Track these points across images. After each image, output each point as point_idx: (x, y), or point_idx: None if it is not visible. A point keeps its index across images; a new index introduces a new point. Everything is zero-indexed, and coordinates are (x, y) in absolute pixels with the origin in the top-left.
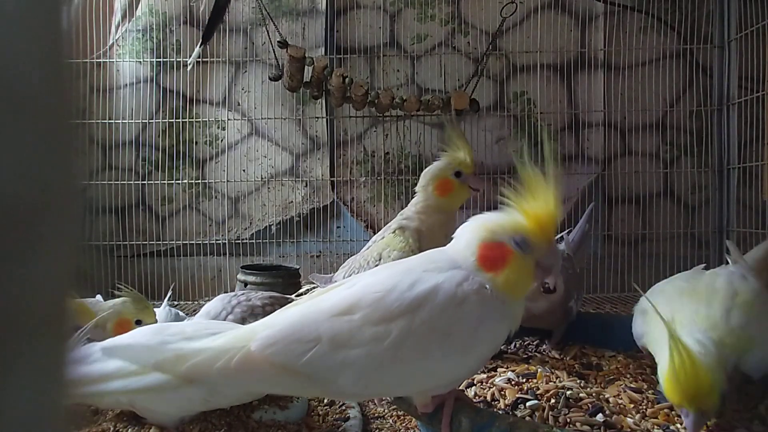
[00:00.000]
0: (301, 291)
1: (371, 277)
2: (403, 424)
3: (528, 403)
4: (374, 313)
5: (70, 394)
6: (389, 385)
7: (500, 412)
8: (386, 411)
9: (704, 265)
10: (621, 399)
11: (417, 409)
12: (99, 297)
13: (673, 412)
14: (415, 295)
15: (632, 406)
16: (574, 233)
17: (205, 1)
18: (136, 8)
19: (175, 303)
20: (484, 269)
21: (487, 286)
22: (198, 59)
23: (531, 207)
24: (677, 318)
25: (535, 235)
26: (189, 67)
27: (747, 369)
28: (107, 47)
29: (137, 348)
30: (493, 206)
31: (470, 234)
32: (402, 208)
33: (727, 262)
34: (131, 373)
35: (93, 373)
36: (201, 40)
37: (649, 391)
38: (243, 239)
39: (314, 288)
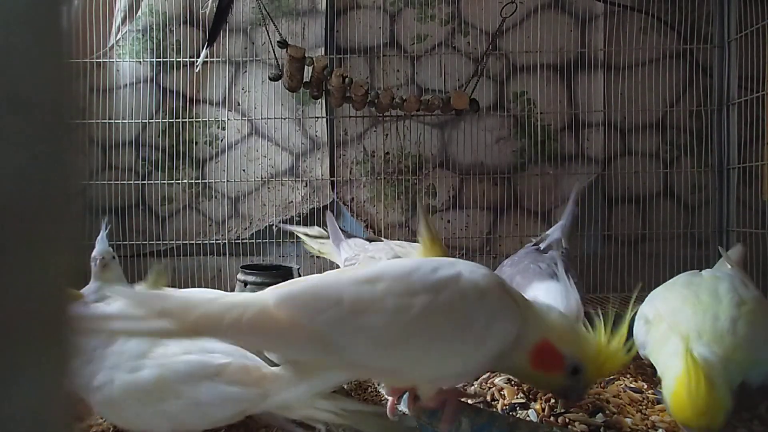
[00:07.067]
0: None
1: (391, 261)
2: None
3: (528, 411)
4: (397, 285)
5: (71, 392)
6: (401, 360)
7: (500, 412)
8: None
9: (696, 271)
10: (621, 399)
11: (415, 409)
12: None
13: None
14: (438, 277)
15: (632, 406)
16: (565, 218)
17: (210, 3)
18: (137, 10)
19: None
20: (531, 361)
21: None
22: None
23: (607, 348)
24: (683, 330)
25: (590, 373)
26: (197, 69)
27: (751, 382)
28: (107, 48)
29: (147, 293)
30: (493, 206)
31: (541, 321)
32: (402, 208)
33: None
34: (135, 318)
35: (96, 312)
36: (207, 42)
37: (649, 391)
38: (243, 239)
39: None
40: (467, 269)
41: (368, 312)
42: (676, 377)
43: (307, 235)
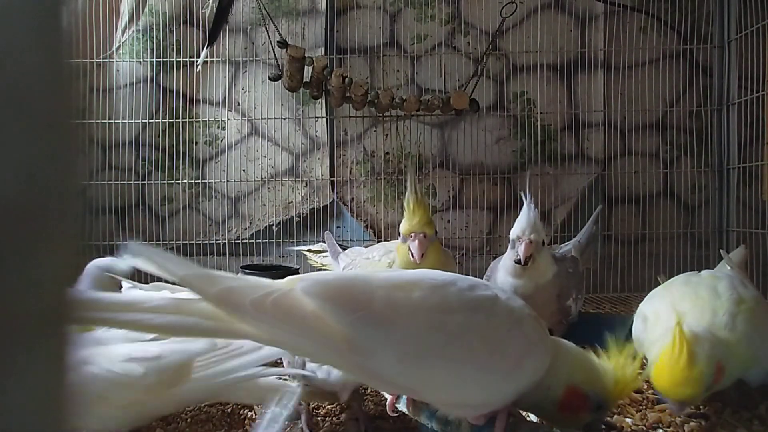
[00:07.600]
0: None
1: (427, 270)
2: (403, 424)
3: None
4: (432, 298)
5: (71, 392)
6: (423, 379)
7: None
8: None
9: (695, 272)
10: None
11: (414, 409)
12: None
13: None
14: (475, 296)
15: (632, 406)
16: (581, 234)
17: (210, 3)
18: (143, 11)
19: None
20: (559, 407)
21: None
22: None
23: (624, 377)
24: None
25: (612, 404)
26: (197, 69)
27: (750, 381)
28: (112, 50)
29: (169, 256)
30: (493, 206)
31: (565, 363)
32: (402, 208)
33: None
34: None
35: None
36: (207, 42)
37: (649, 391)
38: (243, 239)
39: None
40: (503, 295)
41: (399, 323)
42: (662, 348)
43: (310, 251)
